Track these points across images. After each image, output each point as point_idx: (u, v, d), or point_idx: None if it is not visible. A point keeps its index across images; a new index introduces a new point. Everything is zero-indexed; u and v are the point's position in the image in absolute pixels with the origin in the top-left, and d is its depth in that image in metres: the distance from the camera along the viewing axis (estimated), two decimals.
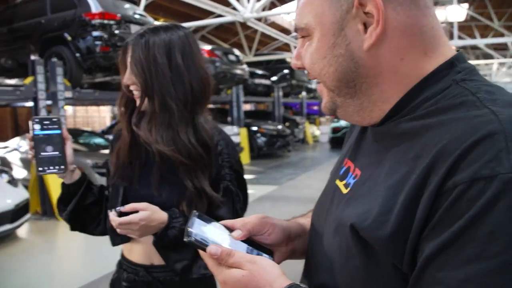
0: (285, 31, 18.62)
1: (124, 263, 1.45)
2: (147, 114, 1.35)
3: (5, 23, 7.88)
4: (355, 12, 0.67)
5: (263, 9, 10.00)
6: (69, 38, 6.95)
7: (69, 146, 1.33)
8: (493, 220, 0.53)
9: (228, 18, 9.82)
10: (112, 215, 1.23)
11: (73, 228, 1.48)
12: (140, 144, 1.37)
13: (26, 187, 6.37)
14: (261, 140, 13.14)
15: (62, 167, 1.29)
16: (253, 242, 0.83)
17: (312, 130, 19.23)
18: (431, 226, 0.58)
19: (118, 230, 1.26)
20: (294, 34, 21.19)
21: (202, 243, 0.75)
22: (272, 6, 12.98)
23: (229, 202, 1.37)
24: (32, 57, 7.00)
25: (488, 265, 0.52)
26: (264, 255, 0.80)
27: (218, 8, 8.61)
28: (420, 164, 0.61)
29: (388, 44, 0.68)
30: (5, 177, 5.80)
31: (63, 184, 1.40)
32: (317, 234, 0.84)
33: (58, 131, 1.29)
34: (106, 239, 1.44)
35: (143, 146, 1.37)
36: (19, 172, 7.71)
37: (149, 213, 1.24)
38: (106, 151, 1.56)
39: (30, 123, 1.29)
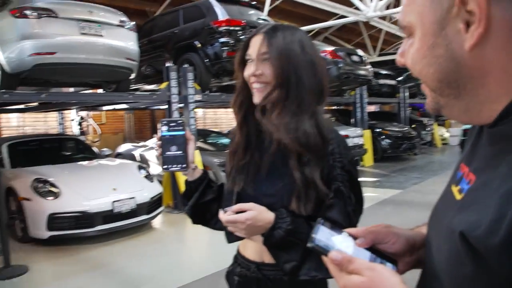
0: None
1: (239, 258, 1.52)
2: (274, 104, 1.38)
3: (145, 35, 8.70)
4: (457, 10, 0.64)
5: (387, 7, 9.69)
6: (198, 45, 7.45)
7: (191, 147, 1.43)
8: None
9: (351, 18, 9.71)
10: (222, 214, 1.30)
11: (194, 222, 1.59)
12: (254, 145, 1.43)
13: (160, 182, 6.97)
14: (385, 142, 12.70)
15: (184, 165, 1.41)
16: (377, 251, 0.84)
17: (441, 132, 18.11)
18: None
19: (228, 228, 1.33)
20: None
21: (324, 249, 0.78)
22: (397, 3, 12.53)
23: (340, 204, 1.33)
24: (167, 64, 7.64)
25: None
26: (388, 264, 0.81)
27: (340, 9, 8.55)
28: None
29: (493, 44, 0.64)
30: (143, 172, 6.43)
31: (186, 181, 1.53)
32: (430, 241, 0.82)
33: (182, 132, 1.41)
34: None
35: (257, 146, 1.43)
36: (155, 169, 8.45)
37: (255, 213, 1.28)
38: None
39: (158, 124, 1.42)
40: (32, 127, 12.81)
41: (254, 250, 1.44)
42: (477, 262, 0.61)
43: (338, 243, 0.80)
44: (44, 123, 13.04)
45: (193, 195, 1.51)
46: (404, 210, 6.92)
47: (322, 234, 0.81)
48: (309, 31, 14.86)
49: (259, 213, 1.29)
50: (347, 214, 1.32)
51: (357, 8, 9.37)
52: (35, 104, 8.99)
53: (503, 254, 0.56)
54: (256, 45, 1.38)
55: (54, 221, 5.18)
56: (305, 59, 1.36)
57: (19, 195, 5.42)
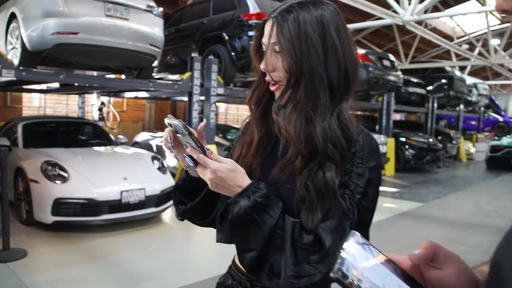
0: (447, 37, 17.32)
1: (232, 268, 1.31)
2: (289, 104, 1.14)
3: (173, 24, 8.55)
4: None
5: (425, 12, 9.32)
6: (226, 37, 7.25)
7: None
8: None
9: (386, 20, 9.34)
10: (195, 147, 1.07)
11: (183, 218, 1.33)
12: (268, 142, 1.22)
13: (173, 175, 6.78)
14: (409, 152, 12.37)
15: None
16: (418, 284, 0.61)
17: (467, 147, 17.58)
18: None
19: (197, 169, 1.10)
20: (457, 40, 19.68)
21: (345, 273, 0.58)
22: (434, 10, 12.12)
23: (336, 218, 1.06)
24: (192, 55, 7.45)
25: None
26: None
27: (376, 9, 8.21)
28: None
29: None
30: (156, 164, 6.24)
31: (187, 177, 1.25)
32: None
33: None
34: None
35: (272, 144, 1.21)
36: (170, 161, 8.29)
37: (229, 167, 1.06)
38: None
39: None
40: (53, 109, 12.81)
41: None
42: None
43: (366, 264, 0.58)
44: (65, 105, 13.04)
45: (198, 192, 1.25)
46: (424, 225, 6.62)
47: (353, 255, 0.59)
48: None
49: (233, 171, 1.07)
50: (342, 231, 1.05)
51: (394, 11, 9.02)
52: (57, 85, 8.92)
53: None
54: (267, 32, 1.14)
55: (60, 206, 5.01)
56: (324, 45, 1.10)
57: (28, 176, 5.28)
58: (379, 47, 18.50)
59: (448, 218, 7.07)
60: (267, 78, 1.17)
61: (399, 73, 10.75)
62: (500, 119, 21.46)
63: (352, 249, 0.60)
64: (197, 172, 1.11)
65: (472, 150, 17.70)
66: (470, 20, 19.24)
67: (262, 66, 1.15)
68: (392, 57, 10.49)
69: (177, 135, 1.12)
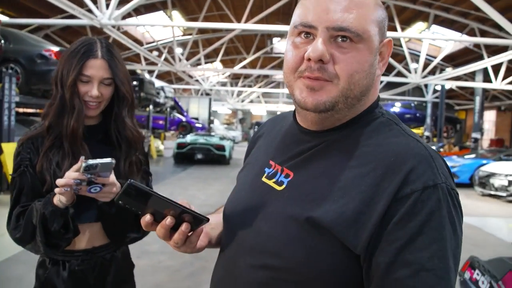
0: (137, 41, 18.32)
1: (63, 257, 1.53)
2: (118, 112, 1.64)
3: None
4: (379, 47, 0.89)
5: (123, 18, 9.69)
6: None
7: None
8: (441, 213, 0.77)
9: (83, 21, 9.27)
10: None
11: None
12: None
13: None
14: None
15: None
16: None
17: (157, 144, 18.98)
18: (396, 221, 0.78)
19: (99, 195, 1.39)
20: (146, 46, 20.92)
21: None
22: (127, 16, 12.69)
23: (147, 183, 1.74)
24: None
25: (444, 243, 0.76)
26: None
27: (75, 10, 8.07)
28: (368, 171, 0.83)
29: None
30: None
31: (65, 208, 1.42)
32: (249, 225, 0.95)
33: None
34: None
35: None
36: None
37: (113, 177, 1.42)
38: None
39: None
40: None
41: (82, 238, 1.53)
42: (320, 237, 0.82)
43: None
44: None
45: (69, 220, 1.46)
46: None
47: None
48: (28, 25, 13.57)
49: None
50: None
51: (90, 11, 9.04)
52: None
53: (348, 229, 0.79)
54: (98, 69, 1.52)
55: None
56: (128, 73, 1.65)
57: None
58: (70, 44, 18.02)
59: None
60: (90, 99, 1.54)
61: None
62: (183, 119, 24.00)
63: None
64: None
65: (161, 147, 19.17)
66: (158, 29, 20.78)
67: (93, 92, 1.52)
68: None
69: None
